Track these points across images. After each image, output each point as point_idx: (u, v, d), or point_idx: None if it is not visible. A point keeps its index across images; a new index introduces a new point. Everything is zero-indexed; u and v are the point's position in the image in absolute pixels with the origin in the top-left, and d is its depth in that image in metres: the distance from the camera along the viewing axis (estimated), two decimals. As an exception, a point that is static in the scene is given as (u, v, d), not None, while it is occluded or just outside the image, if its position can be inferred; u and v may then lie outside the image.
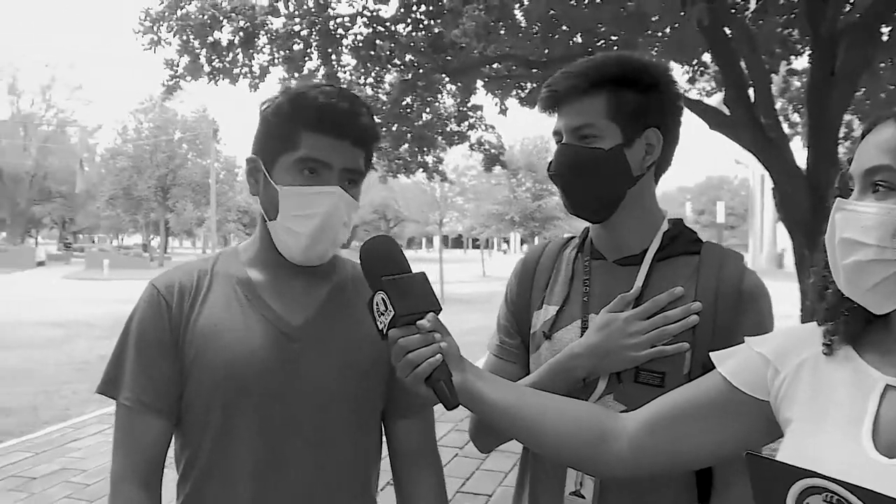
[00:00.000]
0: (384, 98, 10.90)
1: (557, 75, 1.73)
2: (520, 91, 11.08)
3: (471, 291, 27.97)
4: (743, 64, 7.25)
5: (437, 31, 9.48)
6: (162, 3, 9.55)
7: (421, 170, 13.76)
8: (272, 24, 9.73)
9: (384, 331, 1.42)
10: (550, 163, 1.76)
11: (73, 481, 6.19)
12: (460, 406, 1.42)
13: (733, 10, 7.53)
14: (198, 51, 9.65)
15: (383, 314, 1.42)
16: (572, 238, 1.95)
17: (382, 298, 1.42)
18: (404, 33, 9.85)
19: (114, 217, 60.85)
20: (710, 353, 1.42)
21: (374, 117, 1.77)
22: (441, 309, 1.46)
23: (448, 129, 12.89)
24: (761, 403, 1.30)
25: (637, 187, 1.72)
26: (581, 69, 1.69)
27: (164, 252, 59.02)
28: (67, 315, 18.74)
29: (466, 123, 12.95)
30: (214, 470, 1.68)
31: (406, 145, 12.63)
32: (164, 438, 1.70)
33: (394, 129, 11.70)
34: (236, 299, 1.73)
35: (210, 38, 9.61)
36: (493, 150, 13.79)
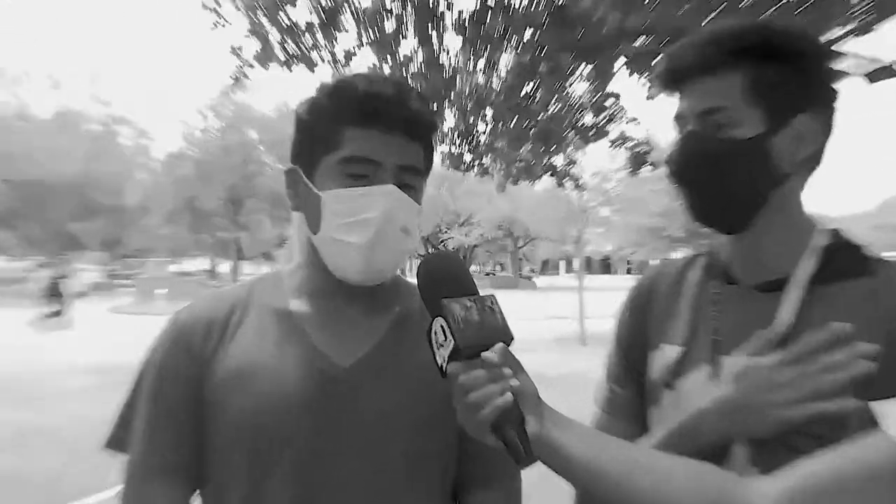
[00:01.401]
0: (498, 87, 10.91)
1: (681, 45, 1.73)
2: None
3: (618, 329, 27.69)
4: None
5: (561, 2, 9.46)
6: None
7: (549, 174, 13.71)
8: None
9: (443, 366, 1.47)
10: (669, 156, 1.75)
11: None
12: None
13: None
14: (268, 33, 9.91)
15: (443, 346, 1.47)
16: (698, 256, 1.95)
17: (442, 326, 1.47)
18: (521, 6, 9.87)
19: (173, 236, 62.05)
20: (876, 405, 1.40)
21: (430, 105, 1.86)
22: (513, 339, 1.49)
23: (581, 122, 12.80)
24: None
25: (784, 189, 1.69)
26: (713, 37, 1.69)
27: (236, 279, 59.93)
28: (108, 359, 18.79)
29: (604, 115, 12.84)
30: None
31: (528, 144, 12.61)
32: None
33: (512, 124, 11.71)
34: (273, 335, 1.81)
35: (283, 19, 9.86)
36: (639, 148, 13.60)
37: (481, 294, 1.52)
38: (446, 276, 1.53)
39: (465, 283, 1.53)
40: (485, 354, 1.44)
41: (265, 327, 1.82)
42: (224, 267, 71.26)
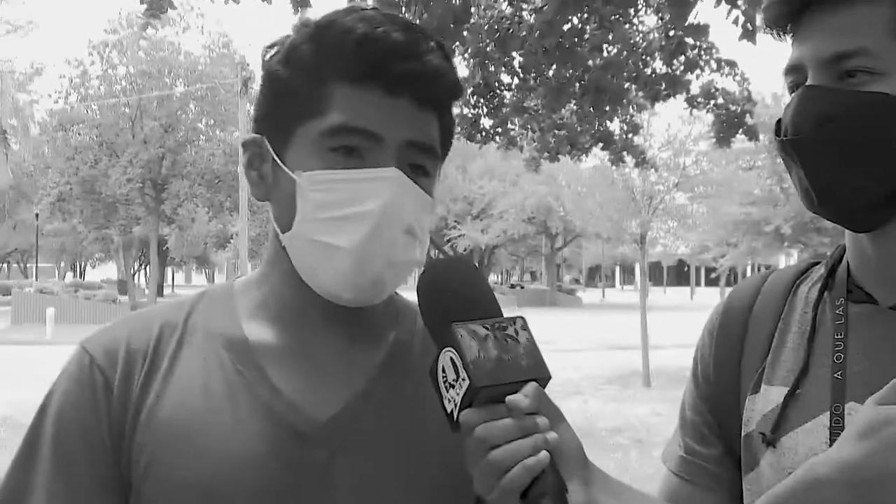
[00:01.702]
0: (531, 20, 10.91)
1: None
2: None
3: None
4: None
5: None
6: None
7: (600, 146, 13.69)
8: None
9: (454, 414, 1.48)
10: (779, 122, 1.77)
11: None
12: None
13: None
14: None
15: (453, 386, 1.48)
16: (814, 265, 1.96)
17: (452, 360, 1.48)
18: None
19: (66, 233, 60.77)
20: None
21: (452, 58, 1.82)
22: (550, 377, 1.51)
23: (649, 70, 12.77)
24: None
25: None
26: None
27: (159, 293, 59.63)
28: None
29: (682, 59, 12.80)
30: None
31: (573, 104, 12.59)
32: None
33: (550, 74, 11.71)
34: (222, 375, 1.80)
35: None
36: (732, 107, 13.52)
37: (506, 315, 1.54)
38: (457, 291, 1.55)
39: (483, 300, 1.55)
40: (511, 398, 1.44)
41: (211, 364, 1.81)
42: (140, 277, 70.19)
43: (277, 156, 1.77)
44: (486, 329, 1.49)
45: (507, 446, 1.40)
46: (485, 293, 1.56)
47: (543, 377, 1.48)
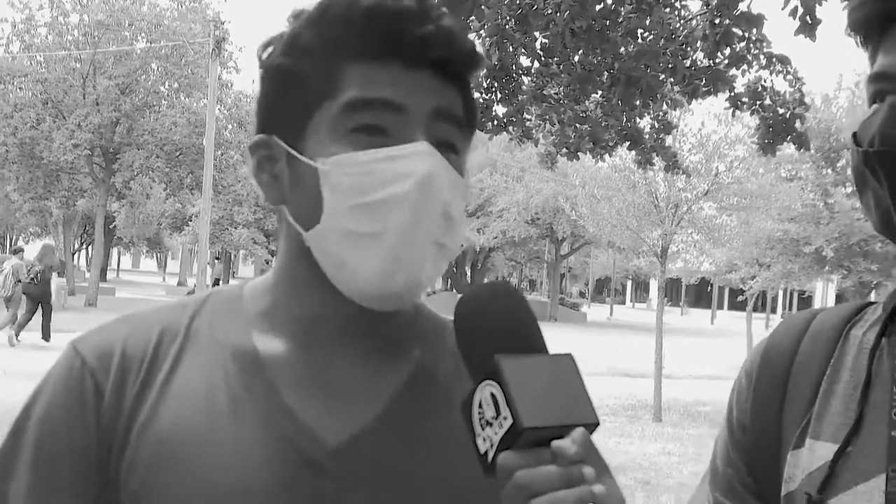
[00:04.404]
0: (558, -2, 10.89)
1: None
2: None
3: (720, 399, 27.48)
4: None
5: None
6: None
7: (626, 145, 13.64)
8: None
9: (490, 455, 1.49)
10: (855, 134, 1.78)
11: None
12: None
13: None
14: None
15: (491, 424, 1.48)
16: (868, 306, 1.98)
17: (493, 395, 1.48)
18: None
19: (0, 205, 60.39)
20: None
21: (466, 31, 1.83)
22: (598, 423, 1.52)
23: (689, 62, 12.73)
24: None
25: None
26: None
27: (102, 278, 59.47)
28: None
29: (728, 52, 12.74)
30: None
31: (599, 95, 12.54)
32: None
33: (576, 59, 11.67)
34: (227, 389, 1.80)
35: None
36: (781, 110, 13.47)
37: (552, 353, 1.56)
38: (502, 321, 1.56)
39: (529, 333, 1.57)
40: (558, 443, 1.44)
41: (215, 376, 1.81)
42: (81, 259, 69.23)
43: (292, 147, 1.77)
44: (533, 364, 1.50)
45: (549, 496, 1.40)
46: (531, 325, 1.58)
47: (592, 423, 1.48)
